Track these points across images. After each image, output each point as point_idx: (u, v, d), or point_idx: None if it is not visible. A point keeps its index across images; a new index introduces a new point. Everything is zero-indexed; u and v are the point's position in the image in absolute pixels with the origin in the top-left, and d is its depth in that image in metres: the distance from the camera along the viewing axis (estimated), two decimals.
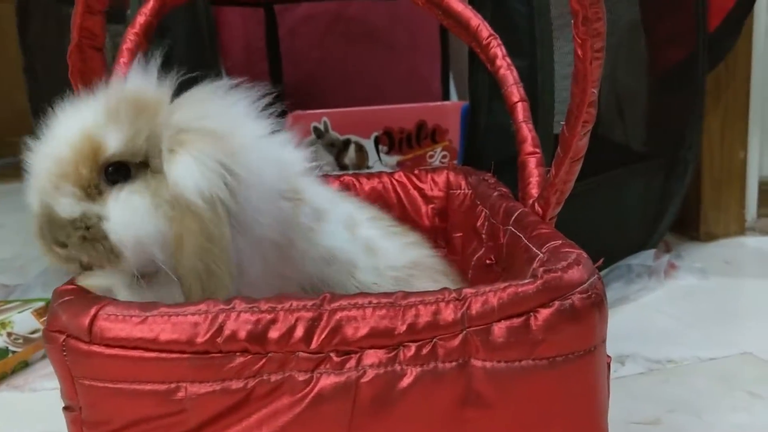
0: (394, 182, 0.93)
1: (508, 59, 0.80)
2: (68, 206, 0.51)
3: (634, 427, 0.78)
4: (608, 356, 0.51)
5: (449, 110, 1.60)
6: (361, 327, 0.45)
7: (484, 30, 0.82)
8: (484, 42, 0.81)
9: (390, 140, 1.45)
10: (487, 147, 1.03)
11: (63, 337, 0.46)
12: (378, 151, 1.46)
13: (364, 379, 0.45)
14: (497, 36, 0.81)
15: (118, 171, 0.52)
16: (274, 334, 0.45)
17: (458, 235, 0.89)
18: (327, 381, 0.45)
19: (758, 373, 0.88)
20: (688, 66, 1.19)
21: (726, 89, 1.44)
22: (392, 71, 2.00)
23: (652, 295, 1.18)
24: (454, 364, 0.46)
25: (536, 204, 0.66)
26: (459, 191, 0.90)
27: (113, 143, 0.52)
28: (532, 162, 0.74)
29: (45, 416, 0.85)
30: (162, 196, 0.52)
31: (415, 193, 0.93)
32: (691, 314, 1.10)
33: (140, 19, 0.71)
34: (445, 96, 2.02)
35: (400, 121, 1.57)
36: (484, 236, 0.77)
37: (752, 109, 1.48)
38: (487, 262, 0.75)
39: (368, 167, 1.39)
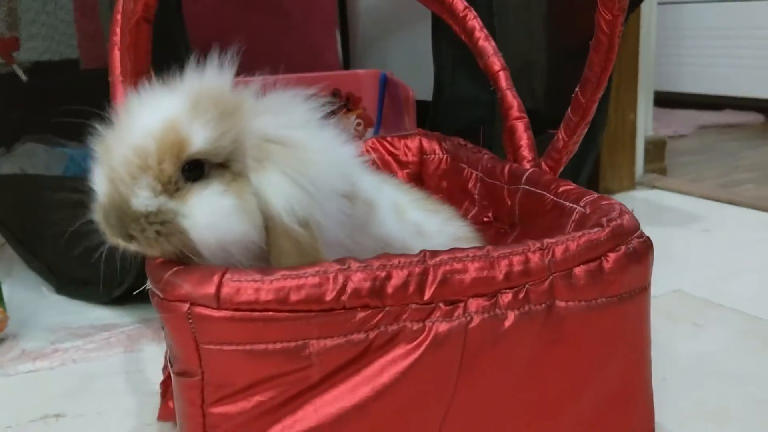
0: (369, 149, 0.97)
1: (485, 30, 0.86)
2: (146, 199, 0.51)
3: None
4: None
5: (363, 78, 1.65)
6: (464, 278, 0.50)
7: (459, 3, 0.87)
8: (461, 14, 0.87)
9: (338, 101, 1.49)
10: (450, 116, 1.09)
11: (187, 305, 0.47)
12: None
13: (472, 325, 0.50)
14: (472, 8, 0.87)
15: (195, 168, 0.52)
16: (390, 289, 0.49)
17: (437, 197, 0.94)
18: (439, 328, 0.50)
19: (694, 307, 1.01)
20: None
21: (618, 59, 1.57)
22: (287, 41, 2.00)
23: None
24: (543, 305, 0.52)
25: (543, 164, 0.73)
26: (434, 156, 0.96)
27: (199, 140, 0.51)
28: (520, 126, 0.81)
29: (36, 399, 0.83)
30: (246, 201, 0.52)
31: (389, 159, 0.98)
32: None
33: None
34: (346, 66, 2.05)
35: (313, 89, 1.59)
36: (476, 196, 0.84)
37: (640, 77, 1.63)
38: (485, 219, 0.82)
39: None
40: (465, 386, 0.51)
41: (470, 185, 0.85)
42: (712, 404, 0.76)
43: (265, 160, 0.53)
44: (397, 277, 0.49)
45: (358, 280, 0.48)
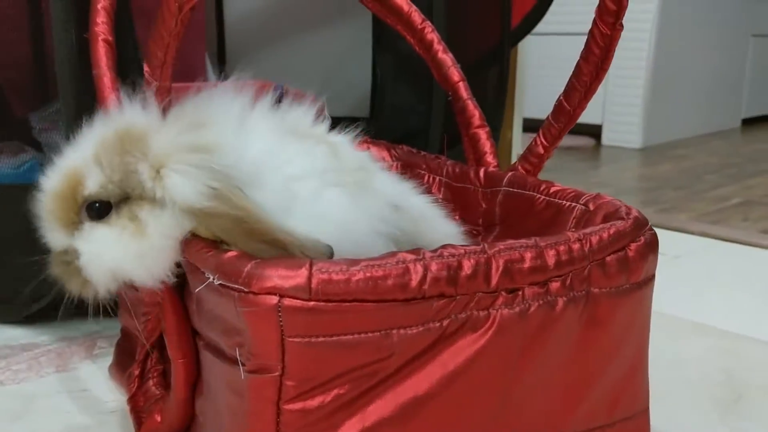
0: None
1: (443, 43, 0.90)
2: (54, 240, 0.57)
3: None
4: None
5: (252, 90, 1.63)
6: (523, 266, 0.53)
7: (417, 16, 0.91)
8: (419, 27, 0.90)
9: None
10: (392, 124, 1.11)
11: (276, 297, 0.46)
12: None
13: (531, 311, 0.53)
14: (429, 21, 0.90)
15: (100, 208, 0.56)
16: (463, 277, 0.51)
17: None
18: (504, 315, 0.52)
19: None
20: (497, 54, 1.39)
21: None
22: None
23: None
24: (583, 292, 0.56)
25: (520, 167, 0.78)
26: (384, 164, 0.97)
27: (91, 184, 0.55)
28: (483, 134, 0.86)
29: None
30: (143, 224, 0.54)
31: None
32: None
33: None
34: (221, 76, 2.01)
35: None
36: (440, 200, 0.87)
37: (516, 100, 1.76)
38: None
39: None
40: (523, 369, 0.54)
41: (433, 190, 0.88)
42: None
43: (161, 169, 0.54)
44: (467, 266, 0.51)
45: (436, 269, 0.50)
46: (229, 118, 0.58)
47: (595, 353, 0.58)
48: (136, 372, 0.73)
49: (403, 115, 1.09)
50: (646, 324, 0.62)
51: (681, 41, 2.99)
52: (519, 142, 1.86)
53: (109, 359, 0.86)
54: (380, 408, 0.50)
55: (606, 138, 2.97)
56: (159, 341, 0.72)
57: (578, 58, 0.69)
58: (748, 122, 3.58)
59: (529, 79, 1.88)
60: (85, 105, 0.85)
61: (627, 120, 2.90)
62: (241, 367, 0.49)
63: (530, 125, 2.62)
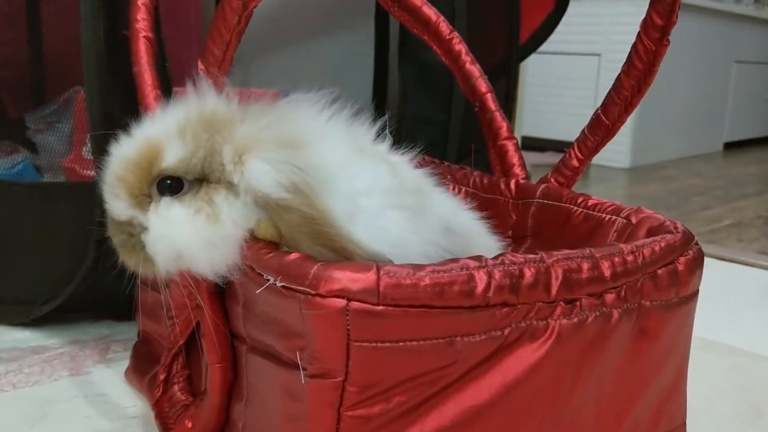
0: None
1: (471, 54, 0.90)
2: (118, 209, 0.54)
3: None
4: None
5: (254, 98, 1.62)
6: (581, 277, 0.53)
7: (445, 27, 0.91)
8: (447, 38, 0.90)
9: None
10: (409, 134, 1.11)
11: (344, 301, 0.45)
12: None
13: (588, 322, 0.53)
14: (457, 32, 0.91)
15: (172, 184, 0.54)
16: (524, 286, 0.50)
17: None
18: (563, 325, 0.52)
19: None
20: (504, 69, 1.40)
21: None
22: None
23: None
24: (636, 304, 0.56)
25: (552, 179, 0.78)
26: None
27: (170, 158, 0.53)
28: (511, 147, 0.86)
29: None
30: (215, 207, 0.53)
31: None
32: None
33: None
34: None
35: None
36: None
37: (516, 118, 1.77)
38: None
39: None
40: (578, 380, 0.53)
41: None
42: None
43: (244, 155, 0.53)
44: (529, 275, 0.51)
45: (499, 277, 0.49)
46: (310, 122, 0.57)
47: (643, 366, 0.57)
48: (162, 377, 0.71)
49: (421, 125, 1.09)
50: (689, 338, 0.62)
51: (667, 66, 3.03)
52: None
53: (123, 363, 0.84)
54: (440, 416, 0.49)
55: (595, 157, 3.00)
56: (185, 346, 0.71)
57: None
58: (730, 146, 3.64)
59: (525, 98, 1.90)
60: (111, 104, 0.84)
61: (616, 140, 2.90)
62: (301, 372, 0.48)
63: (525, 143, 2.65)
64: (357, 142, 0.60)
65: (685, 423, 0.65)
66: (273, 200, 0.51)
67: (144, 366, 0.80)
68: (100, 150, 0.85)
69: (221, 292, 0.60)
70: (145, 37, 0.66)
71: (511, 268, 0.50)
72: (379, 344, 0.46)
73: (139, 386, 0.80)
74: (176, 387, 0.71)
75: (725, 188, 2.53)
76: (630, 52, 0.68)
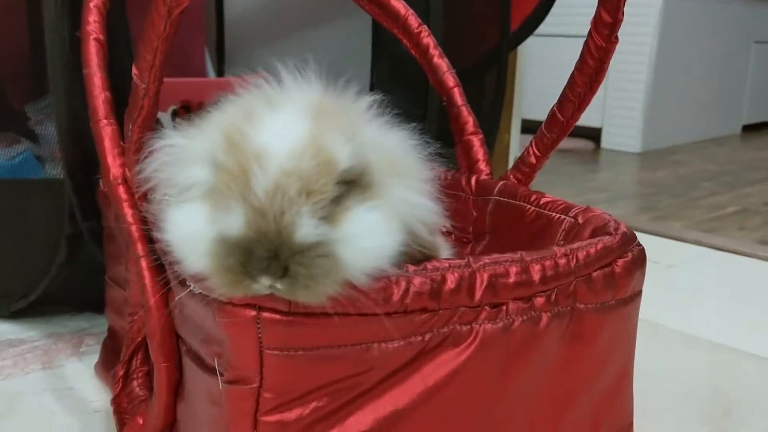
0: None
1: (439, 48, 0.89)
2: (312, 228, 0.44)
3: None
4: None
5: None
6: (507, 281, 0.53)
7: (413, 20, 0.90)
8: (415, 31, 0.89)
9: (189, 115, 1.45)
10: None
11: (254, 311, 0.46)
12: (175, 126, 1.45)
13: (514, 326, 0.53)
14: (432, 24, 0.90)
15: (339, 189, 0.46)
16: (446, 291, 0.50)
17: None
18: (487, 330, 0.52)
19: None
20: (495, 57, 1.38)
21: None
22: None
23: None
24: (568, 308, 0.55)
25: (511, 176, 0.78)
26: None
27: (345, 157, 0.46)
28: (476, 142, 0.85)
29: None
30: (391, 211, 0.48)
31: None
32: None
33: None
34: (220, 72, 2.00)
35: (199, 94, 1.55)
36: None
37: (514, 102, 1.75)
38: (442, 230, 0.84)
39: None
40: (506, 385, 0.53)
41: None
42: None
43: (390, 171, 0.50)
44: (451, 281, 0.50)
45: (419, 283, 0.49)
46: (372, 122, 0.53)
47: (579, 369, 0.57)
48: (121, 372, 0.72)
49: (399, 118, 1.08)
50: (632, 340, 0.62)
51: (683, 46, 2.98)
52: (517, 144, 1.85)
53: (96, 357, 0.85)
54: (359, 421, 0.49)
55: (605, 141, 2.97)
56: (144, 342, 0.72)
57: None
58: (749, 128, 3.58)
59: (528, 81, 1.87)
60: (77, 103, 0.85)
61: (627, 124, 2.90)
62: (219, 377, 0.48)
63: (530, 126, 2.64)
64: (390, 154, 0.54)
65: (631, 424, 0.64)
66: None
67: (111, 360, 0.82)
68: (67, 147, 0.87)
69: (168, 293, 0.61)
70: (95, 39, 0.66)
71: (433, 274, 0.50)
72: (291, 352, 0.47)
73: (105, 380, 0.82)
74: (135, 383, 0.72)
75: (735, 173, 2.49)
76: (582, 50, 0.67)
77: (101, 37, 0.67)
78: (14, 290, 0.96)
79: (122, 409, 0.71)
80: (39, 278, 0.94)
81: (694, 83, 3.15)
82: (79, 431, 0.74)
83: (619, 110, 2.92)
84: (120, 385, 0.72)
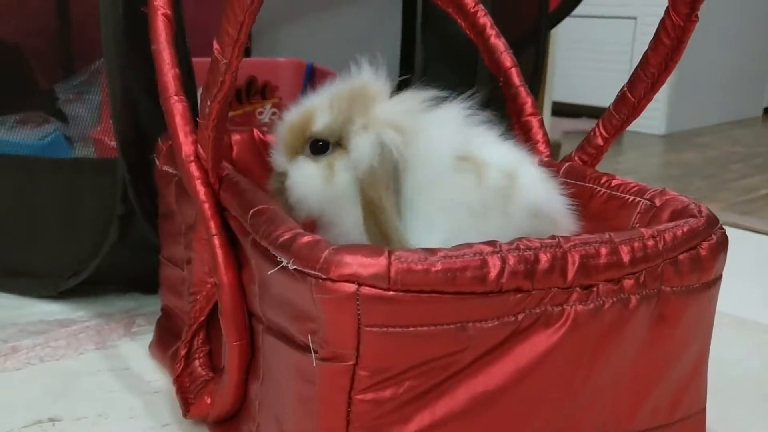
0: None
1: (495, 28, 0.88)
2: (279, 162, 0.66)
3: None
4: None
5: (281, 67, 1.61)
6: (598, 262, 0.52)
7: (470, 0, 0.88)
8: (471, 11, 0.88)
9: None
10: None
11: (354, 285, 0.45)
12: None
13: (605, 308, 0.52)
14: (482, 5, 0.88)
15: (322, 146, 0.63)
16: (540, 271, 0.49)
17: None
18: (578, 311, 0.51)
19: None
20: (533, 37, 1.37)
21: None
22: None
23: None
24: (655, 290, 0.54)
25: (576, 158, 0.76)
26: None
27: (318, 122, 0.63)
28: (536, 123, 0.84)
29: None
30: (334, 169, 0.63)
31: None
32: None
33: None
34: (247, 54, 1.99)
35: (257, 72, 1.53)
36: None
37: (546, 84, 1.74)
38: None
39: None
40: (594, 367, 0.53)
41: None
42: None
43: (364, 129, 0.62)
44: (544, 261, 0.50)
45: (513, 262, 0.48)
46: (434, 116, 0.63)
47: (662, 352, 0.57)
48: (183, 352, 0.72)
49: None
50: (711, 324, 0.61)
51: (705, 28, 2.95)
52: (548, 126, 1.84)
53: (148, 337, 0.85)
54: (451, 401, 0.49)
55: None
56: (206, 322, 0.72)
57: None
58: None
59: (557, 63, 1.85)
60: (130, 79, 0.84)
61: (651, 105, 2.82)
62: (312, 355, 0.48)
63: (557, 109, 2.62)
64: (462, 148, 0.61)
65: (705, 409, 0.64)
66: (360, 172, 0.60)
67: (167, 340, 0.82)
68: (121, 125, 0.86)
69: (240, 271, 0.61)
70: (163, 14, 0.66)
71: (526, 253, 0.49)
72: (390, 329, 0.46)
73: (162, 360, 0.82)
74: (197, 362, 0.72)
75: (765, 156, 2.47)
76: (657, 28, 0.65)
77: (169, 12, 0.67)
78: (64, 270, 0.96)
79: (185, 388, 0.71)
80: (89, 258, 0.93)
81: (717, 65, 3.11)
82: (143, 410, 0.73)
83: None
84: (182, 365, 0.72)
